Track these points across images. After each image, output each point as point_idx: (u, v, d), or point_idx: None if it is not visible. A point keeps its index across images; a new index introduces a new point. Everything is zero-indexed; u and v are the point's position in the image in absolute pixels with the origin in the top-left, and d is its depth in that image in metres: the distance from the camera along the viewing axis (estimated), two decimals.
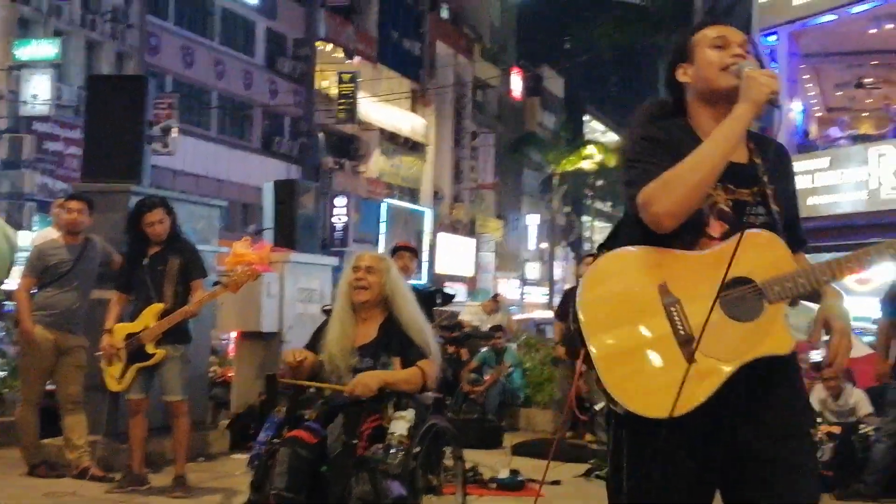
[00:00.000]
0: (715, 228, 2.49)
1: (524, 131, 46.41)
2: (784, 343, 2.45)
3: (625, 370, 2.40)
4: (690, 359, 2.35)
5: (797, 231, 2.64)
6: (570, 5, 57.73)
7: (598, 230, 58.68)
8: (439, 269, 34.24)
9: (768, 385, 2.46)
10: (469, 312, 16.40)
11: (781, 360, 2.46)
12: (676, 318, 2.41)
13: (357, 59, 32.63)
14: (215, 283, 6.45)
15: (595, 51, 32.06)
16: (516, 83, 46.96)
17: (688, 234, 2.46)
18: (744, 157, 2.55)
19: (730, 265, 2.38)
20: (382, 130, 33.87)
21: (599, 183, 49.82)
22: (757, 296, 2.43)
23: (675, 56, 2.69)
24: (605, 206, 58.92)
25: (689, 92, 2.66)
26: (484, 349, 11.44)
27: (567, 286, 18.58)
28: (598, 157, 41.58)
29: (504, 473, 6.89)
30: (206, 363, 8.16)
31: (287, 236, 9.25)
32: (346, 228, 30.18)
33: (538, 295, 46.99)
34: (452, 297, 8.86)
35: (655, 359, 2.39)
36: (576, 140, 43.87)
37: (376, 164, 33.86)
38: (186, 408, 6.12)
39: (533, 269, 50.57)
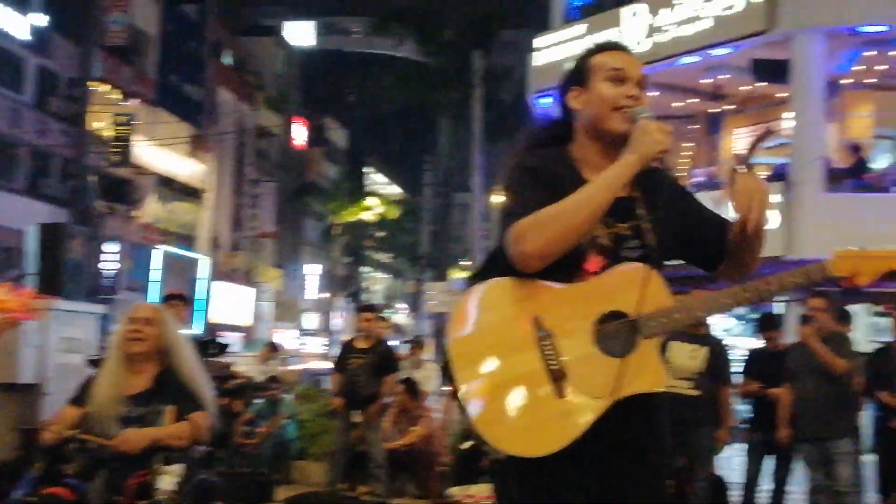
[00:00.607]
0: (593, 263, 2.43)
1: (306, 180, 46.29)
2: (658, 379, 2.40)
3: (494, 407, 2.30)
4: (561, 395, 2.29)
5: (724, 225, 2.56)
6: (354, 58, 58.38)
7: (377, 281, 59.07)
8: (215, 318, 33.40)
9: (632, 421, 2.39)
10: (245, 363, 16.08)
11: (649, 396, 2.40)
12: (549, 353, 2.32)
13: (134, 101, 31.65)
14: None
15: (377, 104, 32.54)
16: (299, 132, 46.86)
17: (565, 267, 2.39)
18: (623, 190, 2.45)
19: (605, 298, 2.33)
20: (159, 175, 32.88)
21: (380, 234, 50.29)
22: (631, 331, 2.36)
23: (571, 76, 2.61)
24: (386, 258, 59.46)
25: (579, 119, 2.57)
26: (259, 400, 11.24)
27: (345, 337, 18.54)
28: (380, 209, 42.00)
29: None
30: None
31: (52, 282, 8.84)
32: (116, 275, 28.98)
33: (316, 345, 46.64)
34: (226, 347, 8.68)
35: (527, 395, 2.29)
36: (357, 191, 44.18)
37: (151, 209, 32.79)
38: None
39: (311, 320, 50.19)
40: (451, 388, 2.36)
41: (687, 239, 2.58)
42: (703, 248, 2.60)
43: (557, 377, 2.31)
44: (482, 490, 6.52)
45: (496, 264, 2.45)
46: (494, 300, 2.39)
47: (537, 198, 2.37)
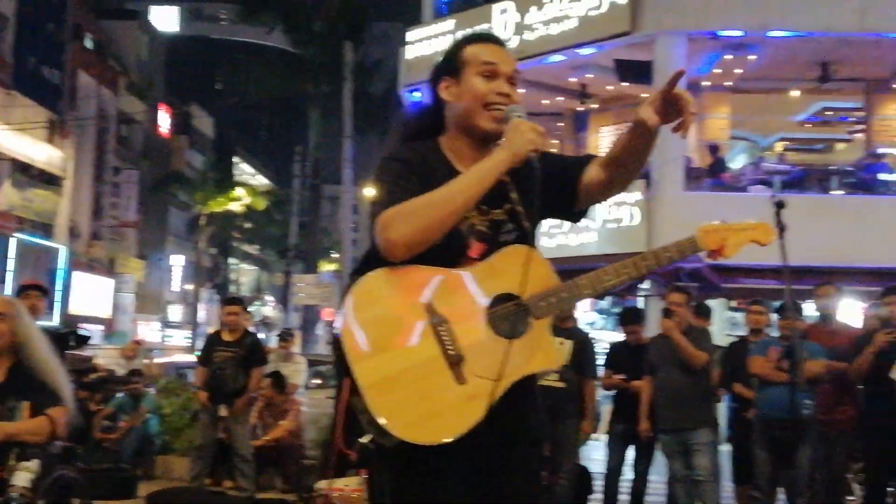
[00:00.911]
0: (475, 250, 2.45)
1: (171, 169, 45.21)
2: (552, 358, 2.45)
3: (395, 397, 2.27)
4: (461, 380, 2.29)
5: (584, 160, 2.59)
6: (222, 45, 57.37)
7: (245, 273, 58.20)
8: (74, 309, 32.33)
9: (515, 407, 2.40)
10: (105, 356, 15.62)
11: (529, 382, 2.43)
12: (445, 339, 2.32)
13: None
14: None
15: (245, 93, 32.01)
16: (164, 120, 45.72)
17: (449, 256, 2.40)
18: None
19: (498, 281, 2.34)
20: (15, 161, 31.58)
21: (248, 225, 49.54)
22: (523, 312, 2.38)
23: (443, 66, 2.58)
24: (253, 249, 58.64)
25: (450, 111, 2.57)
26: (120, 394, 10.94)
27: (211, 329, 18.21)
28: (247, 200, 41.37)
29: None
30: None
31: None
32: None
33: (180, 338, 45.67)
34: (87, 339, 8.42)
35: (426, 383, 2.29)
36: (225, 181, 43.36)
37: (6, 196, 31.47)
38: None
39: (176, 312, 49.11)
40: (348, 383, 2.31)
41: (556, 194, 2.57)
42: (568, 196, 2.61)
43: (456, 362, 2.30)
44: (350, 483, 6.51)
45: (376, 258, 2.42)
46: (385, 290, 2.36)
47: (407, 189, 2.37)
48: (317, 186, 35.39)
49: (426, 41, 18.69)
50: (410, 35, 19.39)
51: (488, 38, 2.62)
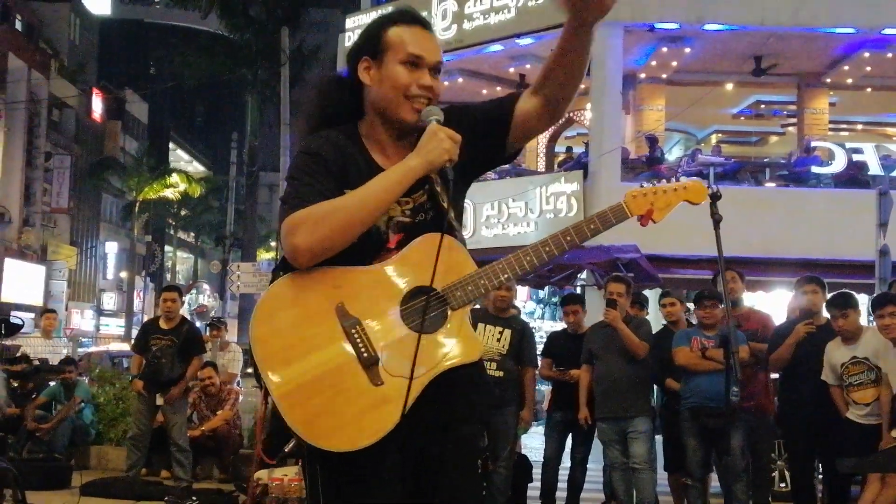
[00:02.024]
0: (392, 241, 2.36)
1: (104, 155, 44.46)
2: (472, 350, 2.35)
3: (310, 405, 2.20)
4: (377, 381, 2.23)
5: (513, 97, 2.50)
6: (156, 29, 56.50)
7: (181, 261, 57.51)
8: (5, 297, 31.68)
9: (444, 399, 2.32)
10: (38, 344, 15.30)
11: (459, 372, 2.33)
12: (359, 341, 2.25)
13: None
14: None
15: (181, 79, 31.52)
16: (97, 105, 44.92)
17: (369, 251, 2.32)
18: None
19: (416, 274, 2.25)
20: None
21: (184, 213, 48.94)
22: (440, 304, 2.30)
23: (363, 44, 2.44)
24: (188, 237, 57.97)
25: (369, 95, 2.44)
26: (53, 383, 10.76)
27: (147, 318, 17.95)
28: (183, 187, 40.85)
29: None
30: None
31: None
32: None
33: (115, 326, 45.02)
34: (19, 327, 8.26)
35: (341, 388, 2.22)
36: (160, 168, 42.75)
37: None
38: None
39: (110, 300, 48.38)
40: (262, 392, 2.28)
41: (484, 147, 2.48)
42: (498, 141, 2.51)
43: (370, 364, 2.24)
44: (289, 473, 6.50)
45: None
46: (295, 294, 2.28)
47: (317, 189, 2.27)
48: (253, 174, 35.07)
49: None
50: (349, 22, 19.31)
51: (413, 20, 2.47)
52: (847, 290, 7.06)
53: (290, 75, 20.17)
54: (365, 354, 2.24)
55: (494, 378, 7.12)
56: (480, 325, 7.22)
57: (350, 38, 18.90)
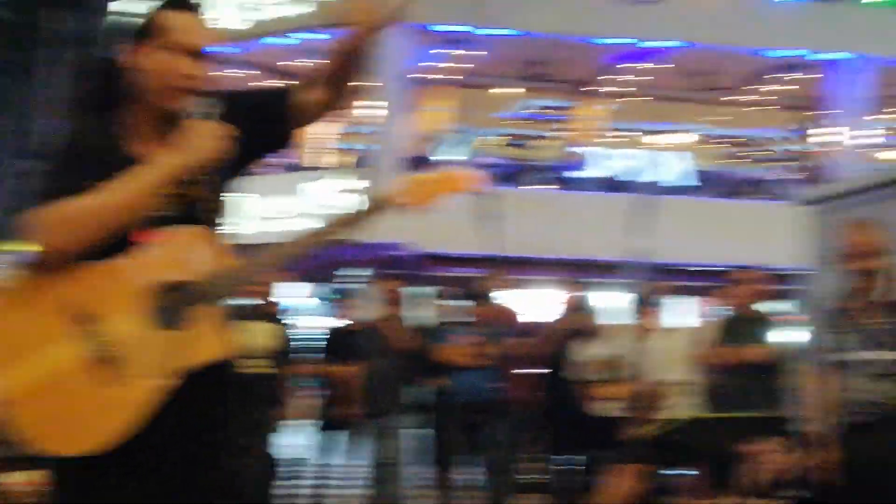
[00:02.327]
0: (146, 234, 2.22)
1: None
2: (221, 347, 2.23)
3: (40, 411, 2.08)
4: (116, 382, 2.11)
5: (286, 88, 2.45)
6: None
7: None
8: None
9: (199, 398, 2.21)
10: None
11: (216, 371, 2.22)
12: (94, 340, 2.11)
13: None
14: None
15: None
16: None
17: (118, 244, 2.18)
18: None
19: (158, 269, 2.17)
20: None
21: None
22: (190, 299, 2.20)
23: (129, 28, 2.33)
24: None
25: (133, 80, 2.30)
26: None
27: None
28: None
29: None
30: None
31: None
32: None
33: None
34: None
35: (72, 390, 2.09)
36: None
37: None
38: None
39: None
40: None
41: (258, 135, 2.42)
42: (270, 125, 2.46)
43: (107, 363, 2.12)
44: (20, 479, 5.99)
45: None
46: (27, 292, 2.16)
47: (65, 185, 2.15)
48: (4, 160, 33.00)
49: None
50: (113, 5, 18.65)
51: (186, 5, 2.37)
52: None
53: (47, 58, 19.17)
54: (103, 354, 2.11)
55: (257, 374, 6.94)
56: (239, 322, 6.95)
57: (115, 22, 18.23)
